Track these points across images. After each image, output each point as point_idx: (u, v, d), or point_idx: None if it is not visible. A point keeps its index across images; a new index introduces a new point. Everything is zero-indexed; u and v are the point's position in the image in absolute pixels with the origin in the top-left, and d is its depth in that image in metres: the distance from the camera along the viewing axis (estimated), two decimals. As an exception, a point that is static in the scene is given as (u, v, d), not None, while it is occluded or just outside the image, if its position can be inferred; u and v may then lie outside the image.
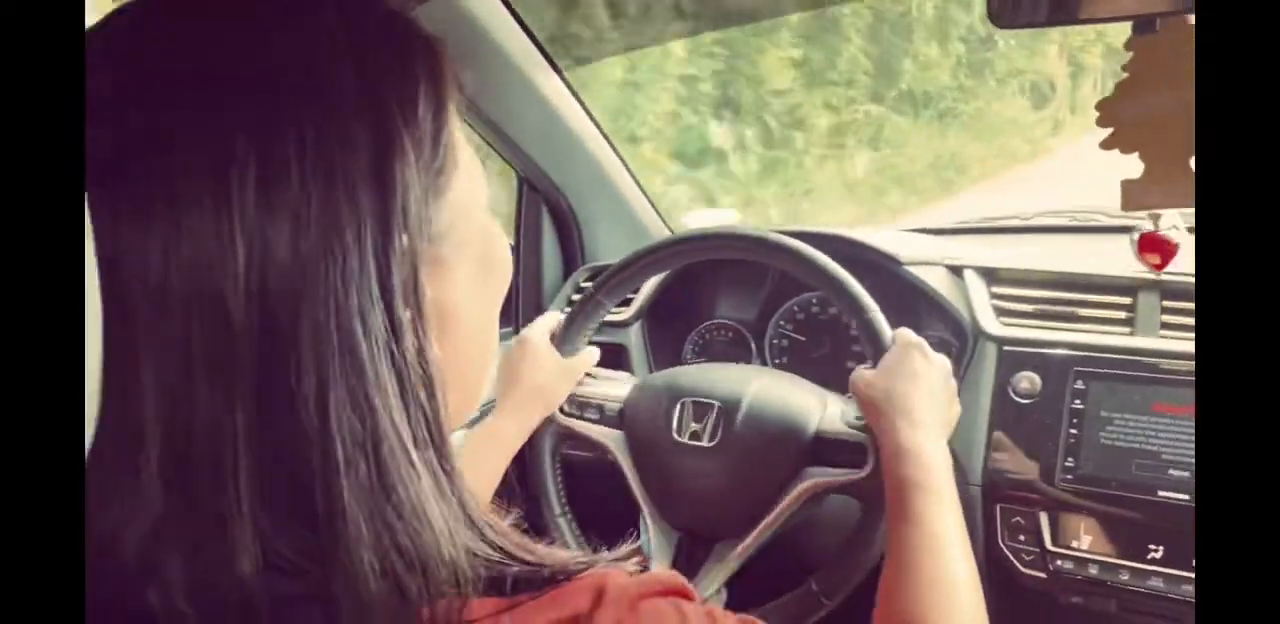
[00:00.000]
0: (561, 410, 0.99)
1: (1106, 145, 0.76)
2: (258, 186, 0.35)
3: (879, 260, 1.09)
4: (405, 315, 0.38)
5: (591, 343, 1.04)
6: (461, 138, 0.42)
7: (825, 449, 0.89)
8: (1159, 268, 1.00)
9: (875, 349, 0.85)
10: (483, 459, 0.89)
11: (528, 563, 0.40)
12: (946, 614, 0.65)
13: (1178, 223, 1.01)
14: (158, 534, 0.36)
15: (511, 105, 1.14)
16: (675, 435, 0.92)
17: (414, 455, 0.38)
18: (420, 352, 0.39)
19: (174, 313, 0.35)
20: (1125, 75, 0.75)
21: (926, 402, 0.79)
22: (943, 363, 0.84)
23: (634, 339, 1.25)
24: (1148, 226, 1.01)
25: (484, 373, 0.48)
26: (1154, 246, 1.00)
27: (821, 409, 0.92)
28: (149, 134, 0.35)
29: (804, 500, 0.88)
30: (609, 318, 1.19)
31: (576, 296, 1.33)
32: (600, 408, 0.99)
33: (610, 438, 0.97)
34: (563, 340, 0.99)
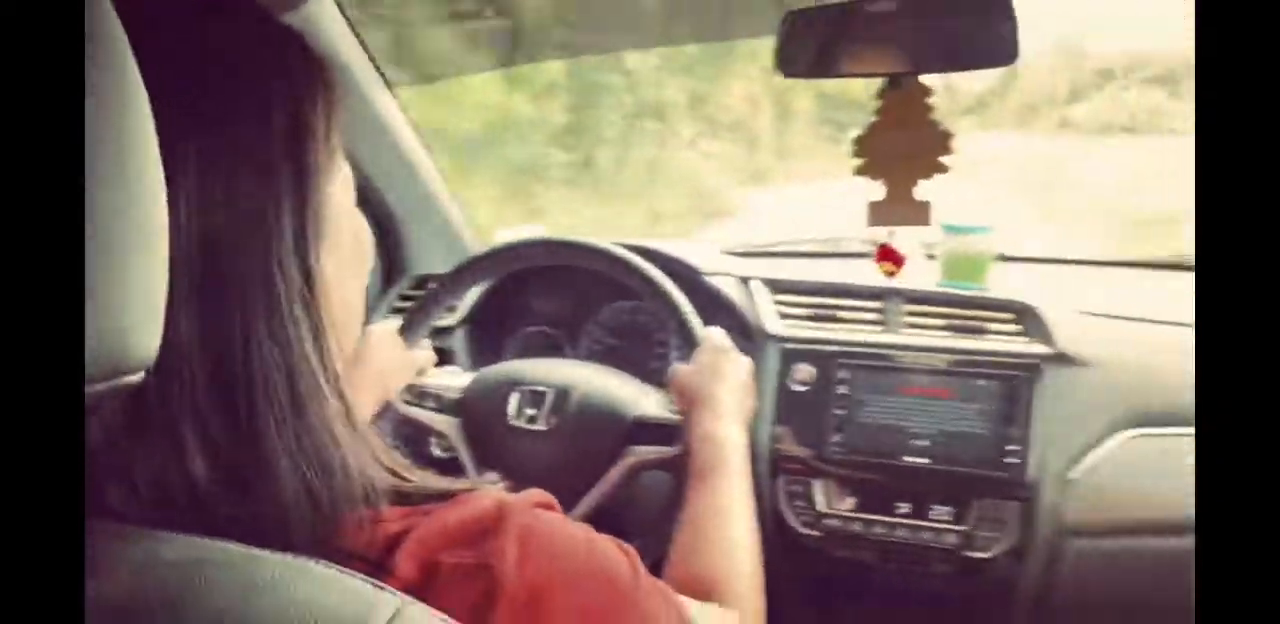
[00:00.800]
0: (402, 399, 1.06)
1: (858, 172, 0.97)
2: (197, 163, 0.43)
3: (681, 270, 1.25)
4: (317, 267, 0.47)
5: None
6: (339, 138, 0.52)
7: (645, 431, 1.01)
8: (892, 274, 1.22)
9: (690, 346, 1.00)
10: None
11: (410, 481, 0.50)
12: (729, 572, 0.76)
13: (908, 240, 1.24)
14: (119, 443, 0.42)
15: (348, 120, 1.21)
16: (511, 420, 1.02)
17: (323, 382, 0.46)
18: (317, 311, 0.47)
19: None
20: (875, 118, 0.96)
21: (729, 396, 0.93)
22: (746, 361, 0.98)
23: (459, 344, 1.34)
24: (886, 240, 1.23)
25: (352, 333, 0.56)
26: (888, 256, 1.22)
27: (642, 396, 1.05)
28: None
29: (627, 474, 1.01)
30: (436, 323, 1.28)
31: (400, 304, 1.40)
32: (438, 397, 1.07)
33: (448, 425, 1.05)
34: (407, 332, 1.06)
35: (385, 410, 1.05)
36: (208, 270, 0.43)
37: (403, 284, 1.43)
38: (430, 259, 1.49)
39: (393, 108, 1.27)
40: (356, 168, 1.29)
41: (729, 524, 0.80)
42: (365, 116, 1.22)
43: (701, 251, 1.35)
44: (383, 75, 1.22)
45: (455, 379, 1.09)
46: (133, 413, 0.41)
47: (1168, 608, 0.87)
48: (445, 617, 0.39)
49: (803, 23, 0.91)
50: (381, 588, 0.37)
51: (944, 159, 0.93)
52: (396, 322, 1.08)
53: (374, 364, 1.01)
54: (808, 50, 0.93)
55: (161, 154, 0.35)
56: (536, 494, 0.54)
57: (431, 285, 1.36)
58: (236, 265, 0.44)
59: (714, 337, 0.99)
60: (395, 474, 0.50)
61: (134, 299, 0.31)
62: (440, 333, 1.33)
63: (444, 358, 1.33)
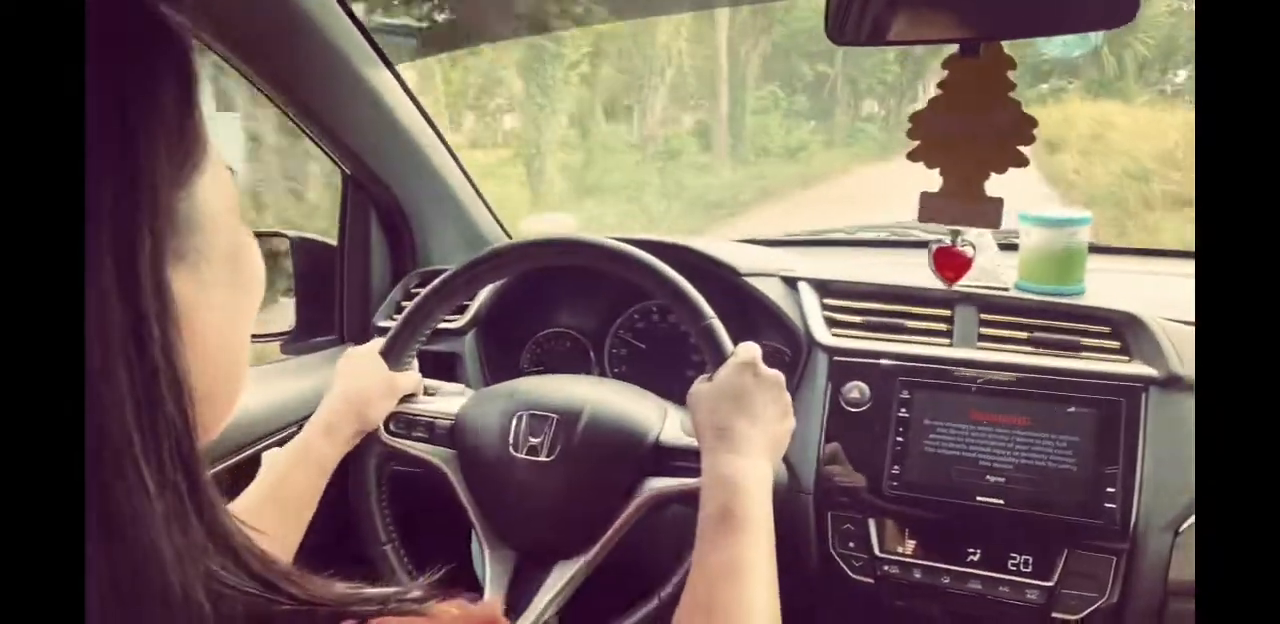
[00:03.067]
0: (388, 430, 0.93)
1: (913, 157, 0.79)
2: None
3: (717, 270, 1.09)
4: (150, 308, 0.34)
5: (423, 351, 0.98)
6: (211, 140, 0.40)
7: (665, 459, 0.87)
8: (951, 281, 1.04)
9: (714, 361, 0.84)
10: (293, 480, 0.82)
11: (297, 599, 0.36)
12: None
13: (972, 239, 1.06)
14: None
15: (337, 98, 1.07)
16: (512, 451, 0.88)
17: (144, 470, 0.33)
18: (166, 349, 0.34)
19: None
20: (938, 92, 0.78)
21: (750, 423, 0.78)
22: (775, 379, 0.82)
23: (468, 348, 1.20)
24: (946, 241, 1.05)
25: (235, 386, 0.43)
26: (947, 261, 1.04)
27: (661, 419, 0.90)
28: None
29: (645, 511, 0.86)
30: (442, 325, 1.14)
31: (406, 303, 1.27)
32: (430, 426, 0.93)
33: (442, 458, 0.92)
34: (389, 352, 0.93)
35: (368, 443, 0.92)
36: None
37: (408, 280, 1.29)
38: (446, 253, 1.35)
39: (393, 87, 1.13)
40: (351, 155, 1.16)
41: (745, 587, 0.67)
42: (354, 94, 1.07)
43: (741, 248, 1.18)
44: (379, 51, 1.07)
45: (447, 404, 0.95)
46: None
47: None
48: None
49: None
50: None
51: (1023, 148, 0.75)
52: (377, 342, 0.95)
53: (344, 394, 0.89)
54: (863, 12, 0.76)
55: None
56: (490, 613, 0.41)
57: (417, 289, 1.23)
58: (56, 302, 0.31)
59: (742, 351, 0.83)
60: (269, 585, 0.37)
61: None
62: (447, 336, 1.19)
63: (450, 364, 1.19)
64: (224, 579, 0.35)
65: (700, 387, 0.82)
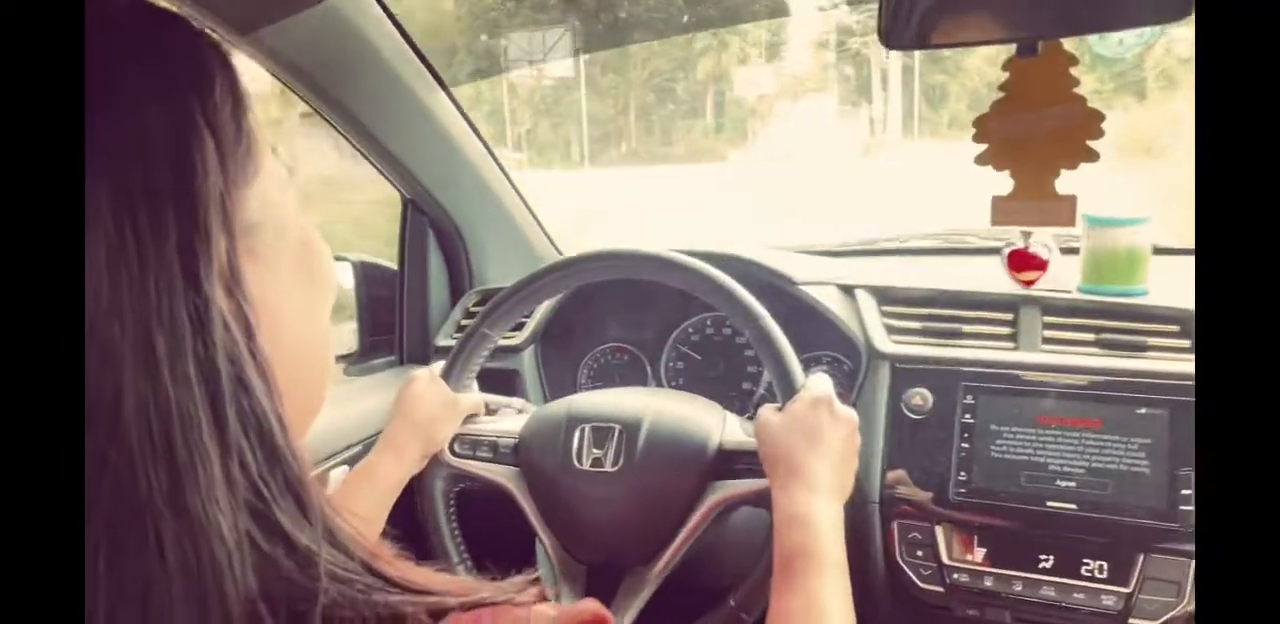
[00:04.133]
0: (453, 451, 0.95)
1: (980, 161, 0.79)
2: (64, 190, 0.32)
3: (773, 280, 1.09)
4: (225, 306, 0.34)
5: (484, 369, 1.00)
6: (265, 141, 0.40)
7: (729, 462, 0.88)
8: (1029, 284, 1.04)
9: (785, 393, 0.84)
10: (359, 499, 0.85)
11: (405, 588, 0.37)
12: None
13: (1048, 241, 1.06)
14: None
15: (395, 122, 1.10)
16: (576, 463, 0.89)
17: (220, 470, 0.33)
18: (248, 344, 0.35)
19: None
20: (1001, 95, 0.78)
21: (823, 462, 0.78)
22: (850, 418, 0.82)
23: (527, 364, 1.22)
24: (1019, 244, 1.05)
25: (319, 376, 0.44)
26: (1024, 263, 1.04)
27: (721, 423, 0.91)
28: None
29: (714, 516, 0.87)
30: (501, 342, 1.16)
31: (466, 321, 1.29)
32: (493, 445, 0.95)
33: (507, 476, 0.93)
34: (450, 374, 0.95)
35: (434, 465, 0.93)
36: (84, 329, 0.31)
37: (466, 299, 1.31)
38: (502, 272, 1.37)
39: (447, 107, 1.15)
40: (411, 179, 1.19)
41: None
42: (412, 118, 1.10)
43: (794, 257, 1.18)
44: (434, 72, 1.10)
45: (509, 423, 0.97)
46: None
47: None
48: None
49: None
50: None
51: (1092, 143, 0.75)
52: (438, 366, 0.97)
53: (408, 417, 0.91)
54: (917, 15, 0.76)
55: None
56: (587, 609, 0.41)
57: (475, 307, 1.25)
58: (121, 311, 0.32)
59: (815, 385, 0.83)
60: (393, 582, 0.37)
61: None
62: (506, 352, 1.21)
63: (510, 380, 1.21)
64: (337, 574, 0.35)
65: (770, 417, 0.82)
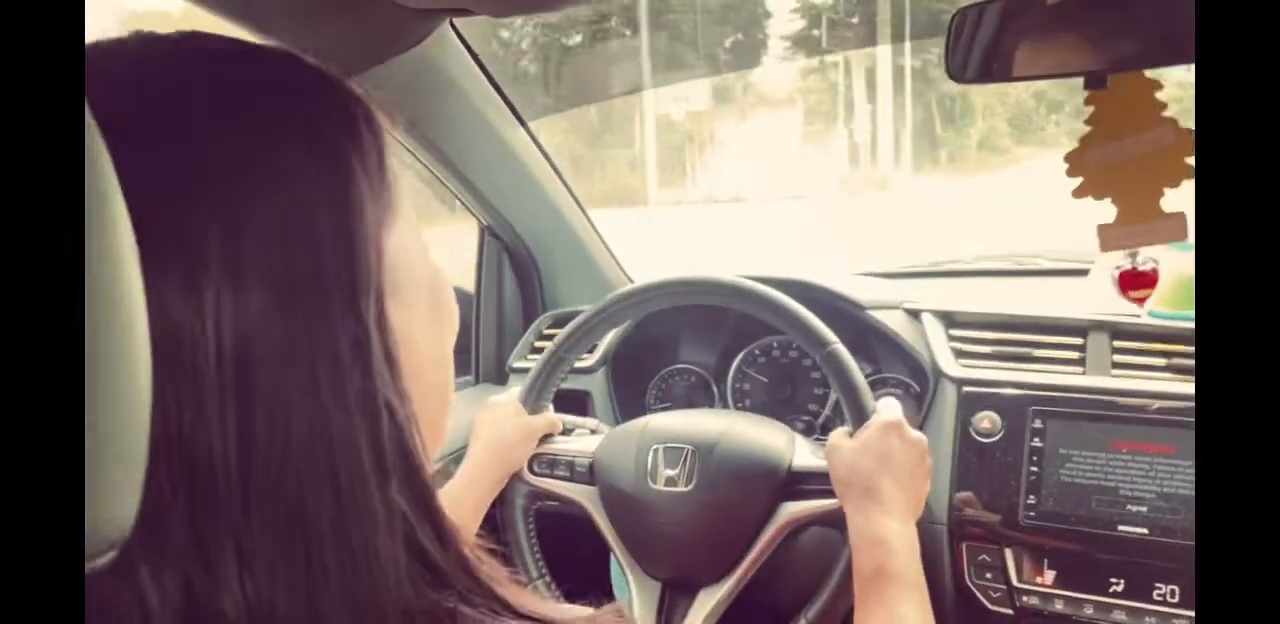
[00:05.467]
0: (531, 470, 0.99)
1: (1079, 194, 0.80)
2: (219, 228, 0.34)
3: (839, 304, 1.12)
4: (376, 340, 0.37)
5: (557, 390, 1.04)
6: (405, 186, 0.43)
7: (799, 483, 0.90)
8: (1142, 302, 1.03)
9: (856, 419, 0.87)
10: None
11: (523, 615, 0.39)
12: None
13: (1154, 256, 1.04)
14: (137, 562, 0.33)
15: (478, 156, 1.16)
16: (650, 483, 0.93)
17: (379, 494, 0.36)
18: (396, 376, 0.38)
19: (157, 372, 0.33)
20: (1087, 129, 0.80)
21: (896, 485, 0.80)
22: (920, 443, 0.84)
23: (598, 385, 1.26)
24: (1125, 264, 1.04)
25: (445, 408, 0.46)
26: (1136, 282, 1.03)
27: (791, 445, 0.94)
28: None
29: (784, 536, 0.89)
30: (575, 364, 1.20)
31: (540, 343, 1.34)
32: (570, 465, 0.99)
33: (583, 494, 0.97)
34: (527, 398, 0.99)
35: (515, 483, 0.98)
36: (242, 366, 0.34)
37: (540, 323, 1.36)
38: (573, 296, 1.42)
39: (526, 142, 1.21)
40: (488, 207, 1.24)
41: None
42: (494, 153, 1.16)
43: (861, 281, 1.21)
44: (514, 109, 1.16)
45: (585, 443, 1.01)
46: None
47: None
48: None
49: (976, 19, 0.77)
50: None
51: (1189, 160, 0.75)
52: (514, 390, 1.01)
53: (488, 441, 0.96)
54: (981, 49, 0.79)
55: (170, 239, 0.32)
56: None
57: (549, 330, 1.30)
58: (286, 346, 0.35)
59: (885, 410, 0.86)
60: (500, 600, 0.39)
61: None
62: (578, 374, 1.25)
63: (582, 402, 1.25)
64: (468, 598, 0.37)
65: (842, 442, 0.85)
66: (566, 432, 1.06)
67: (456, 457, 1.03)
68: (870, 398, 0.87)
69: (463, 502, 0.91)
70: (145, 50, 0.38)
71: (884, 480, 0.79)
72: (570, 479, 0.98)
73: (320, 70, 0.41)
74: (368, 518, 0.35)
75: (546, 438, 1.02)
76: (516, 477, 0.98)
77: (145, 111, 0.35)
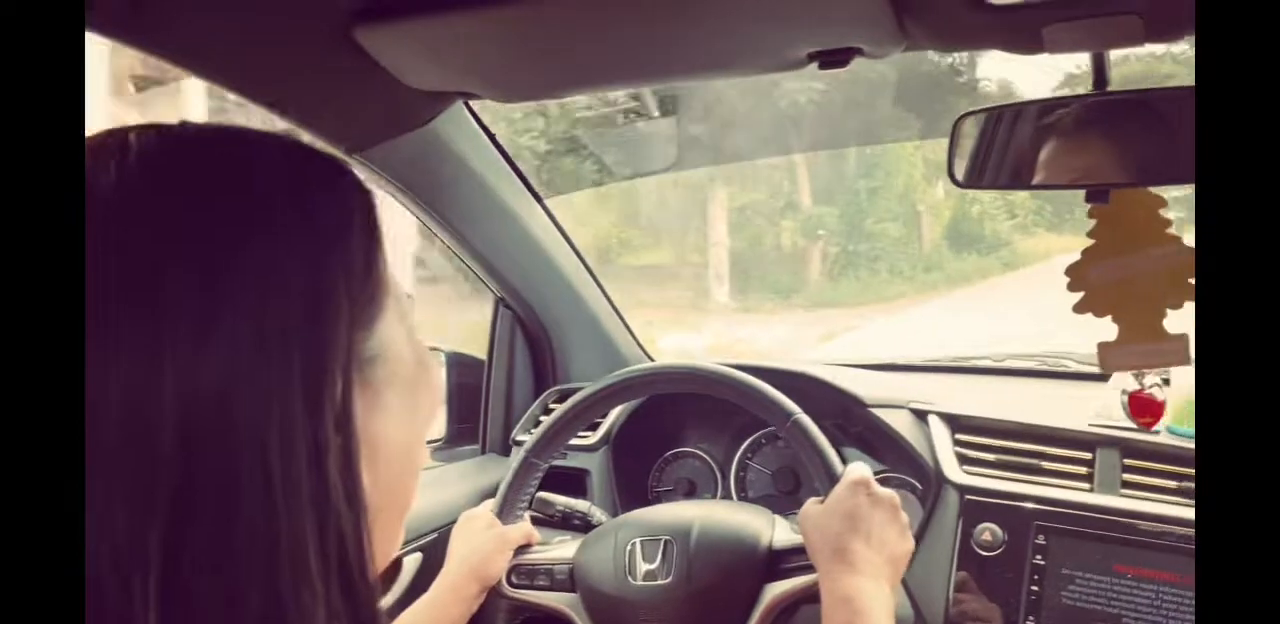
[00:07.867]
0: (510, 582, 0.96)
1: (1080, 309, 0.78)
2: (191, 317, 0.34)
3: (842, 399, 1.09)
4: (334, 442, 0.36)
5: (554, 467, 1.02)
6: (391, 269, 0.43)
7: (781, 562, 0.88)
8: (1150, 425, 0.99)
9: (825, 485, 0.85)
10: None
11: None
12: None
13: (1160, 379, 1.01)
14: None
15: (490, 229, 1.17)
16: (630, 580, 0.90)
17: (316, 578, 0.35)
18: (349, 480, 0.37)
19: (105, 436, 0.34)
20: (1090, 243, 0.78)
21: (867, 545, 0.77)
22: (890, 499, 0.81)
23: (598, 464, 1.23)
24: (1133, 386, 1.00)
25: (407, 501, 0.46)
26: (1143, 409, 0.99)
27: (770, 525, 0.92)
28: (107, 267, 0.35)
29: (773, 618, 0.86)
30: (574, 442, 1.18)
31: (544, 417, 1.32)
32: (549, 573, 0.96)
33: (565, 602, 0.94)
34: (500, 509, 0.98)
35: (494, 599, 0.96)
36: (192, 452, 0.34)
37: (546, 397, 1.35)
38: (585, 370, 1.41)
39: (542, 218, 1.22)
40: (502, 279, 1.25)
41: None
42: (507, 228, 1.17)
43: (869, 376, 1.18)
44: (529, 187, 1.18)
45: (564, 550, 0.98)
46: None
47: None
48: None
49: (977, 124, 0.76)
50: None
51: (1193, 281, 0.73)
52: (489, 503, 1.00)
53: (461, 556, 0.94)
54: (987, 156, 0.78)
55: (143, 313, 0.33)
56: None
57: (554, 404, 1.28)
58: (222, 445, 0.34)
59: (852, 471, 0.83)
60: None
61: None
62: (578, 452, 1.23)
63: (580, 481, 1.23)
64: None
65: (811, 508, 0.83)
66: (552, 518, 1.03)
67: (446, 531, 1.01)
68: (837, 461, 0.85)
69: (440, 618, 0.90)
70: (146, 140, 0.39)
71: (853, 541, 0.76)
72: (550, 588, 0.95)
73: (323, 160, 0.41)
74: (295, 596, 0.35)
75: (523, 548, 0.99)
76: (495, 590, 0.95)
77: (136, 199, 0.36)
